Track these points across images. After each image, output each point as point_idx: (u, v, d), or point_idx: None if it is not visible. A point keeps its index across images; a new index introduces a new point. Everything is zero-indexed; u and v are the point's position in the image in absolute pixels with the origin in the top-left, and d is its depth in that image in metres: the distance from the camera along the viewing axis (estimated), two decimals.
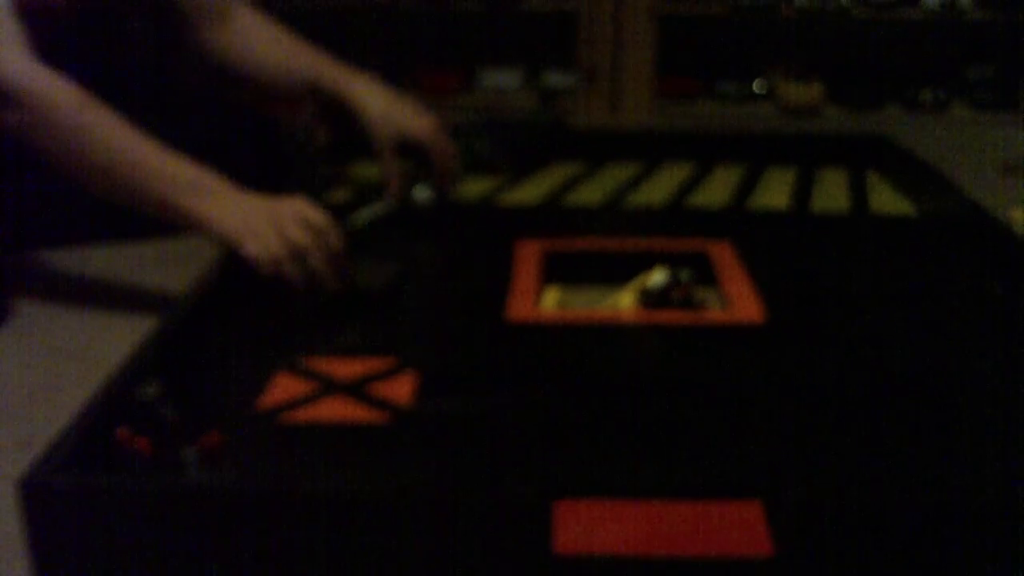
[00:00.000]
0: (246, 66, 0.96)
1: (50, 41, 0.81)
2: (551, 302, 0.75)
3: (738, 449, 0.55)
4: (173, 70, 1.11)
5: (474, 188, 1.04)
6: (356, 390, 0.61)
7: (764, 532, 0.46)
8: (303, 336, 0.69)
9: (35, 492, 0.47)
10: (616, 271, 0.79)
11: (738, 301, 0.73)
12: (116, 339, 0.81)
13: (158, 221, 0.80)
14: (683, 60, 1.78)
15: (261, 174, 0.91)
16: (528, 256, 0.82)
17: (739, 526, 0.46)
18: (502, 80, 1.74)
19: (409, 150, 0.89)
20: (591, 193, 1.03)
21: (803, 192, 1.03)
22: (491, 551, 0.47)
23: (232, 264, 0.75)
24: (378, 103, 0.91)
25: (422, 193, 0.81)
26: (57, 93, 0.77)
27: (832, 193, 1.03)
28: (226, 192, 0.76)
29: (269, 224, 0.73)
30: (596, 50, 1.66)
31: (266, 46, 0.95)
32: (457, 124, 1.12)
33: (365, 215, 0.81)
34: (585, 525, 0.47)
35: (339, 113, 0.92)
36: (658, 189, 1.04)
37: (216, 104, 1.14)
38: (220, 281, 0.74)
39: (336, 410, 0.60)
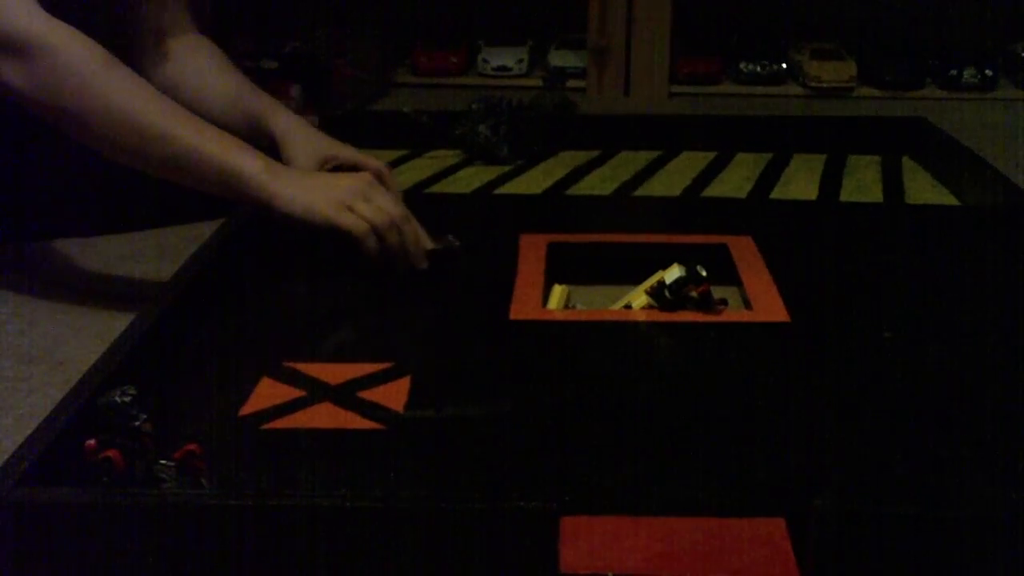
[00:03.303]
0: (192, 104, 0.91)
1: None
2: (557, 301, 0.75)
3: (760, 461, 0.55)
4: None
5: (475, 177, 1.04)
6: (346, 396, 0.62)
7: (789, 552, 0.46)
8: (289, 338, 0.69)
9: None
10: (628, 267, 0.79)
11: (761, 300, 0.73)
12: (86, 341, 0.81)
13: (131, 213, 0.80)
14: (702, 39, 1.77)
15: None
16: (533, 251, 0.82)
17: (761, 545, 0.46)
18: (505, 60, 1.74)
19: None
20: (601, 183, 1.03)
21: (832, 181, 1.03)
22: (492, 569, 0.47)
23: (216, 256, 0.75)
24: (300, 135, 0.89)
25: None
26: (79, 47, 0.75)
27: (864, 182, 1.03)
28: (281, 166, 0.78)
29: (355, 193, 0.75)
30: (608, 28, 1.66)
31: (210, 88, 0.93)
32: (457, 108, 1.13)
33: None
34: (593, 542, 0.47)
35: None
36: (674, 179, 1.04)
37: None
38: (199, 279, 0.74)
39: (324, 418, 0.60)
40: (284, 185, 0.75)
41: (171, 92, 0.90)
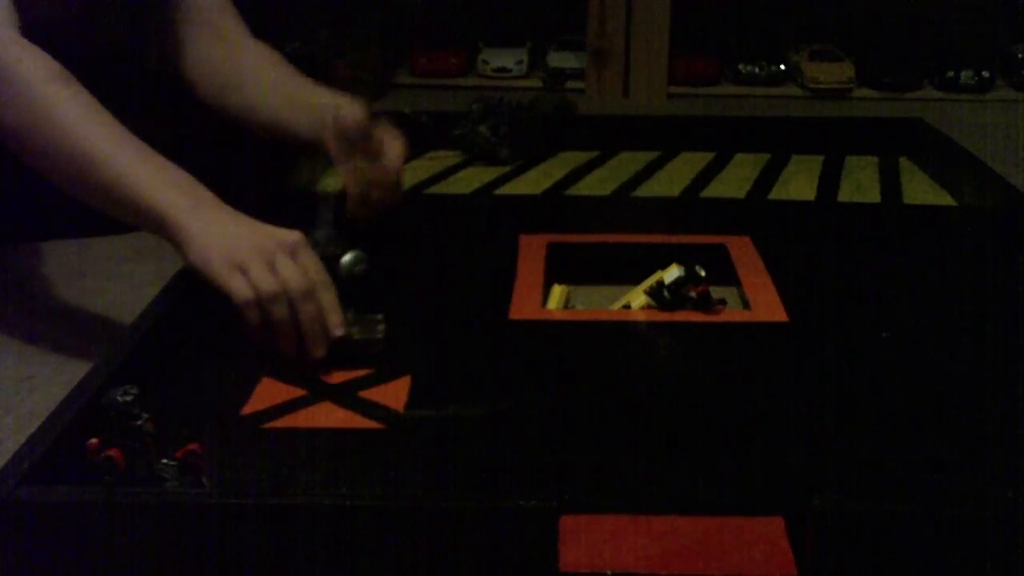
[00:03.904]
0: (235, 91, 0.89)
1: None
2: (557, 301, 0.76)
3: (759, 460, 0.55)
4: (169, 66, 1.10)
5: (475, 178, 1.04)
6: (346, 396, 0.62)
7: (787, 551, 0.46)
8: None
9: None
10: (627, 267, 0.79)
11: (759, 300, 0.73)
12: (87, 341, 0.81)
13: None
14: (700, 40, 1.77)
15: (242, 163, 0.91)
16: (532, 251, 0.82)
17: (760, 544, 0.46)
18: (505, 62, 1.74)
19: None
20: (601, 183, 1.03)
21: (830, 181, 1.03)
22: (492, 568, 0.47)
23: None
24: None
25: (353, 261, 0.71)
26: (28, 62, 0.71)
27: (862, 182, 1.03)
28: (213, 206, 0.69)
29: (258, 255, 0.65)
30: (607, 29, 1.66)
31: (264, 78, 0.89)
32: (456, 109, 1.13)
33: (350, 262, 0.72)
34: (592, 541, 0.47)
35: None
36: (673, 179, 1.04)
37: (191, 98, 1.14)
38: (200, 279, 0.74)
39: (325, 417, 0.60)
40: (199, 230, 0.67)
41: (218, 80, 0.89)
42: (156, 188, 0.68)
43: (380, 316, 0.67)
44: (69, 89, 0.71)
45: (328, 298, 0.66)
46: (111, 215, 0.71)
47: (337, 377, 0.63)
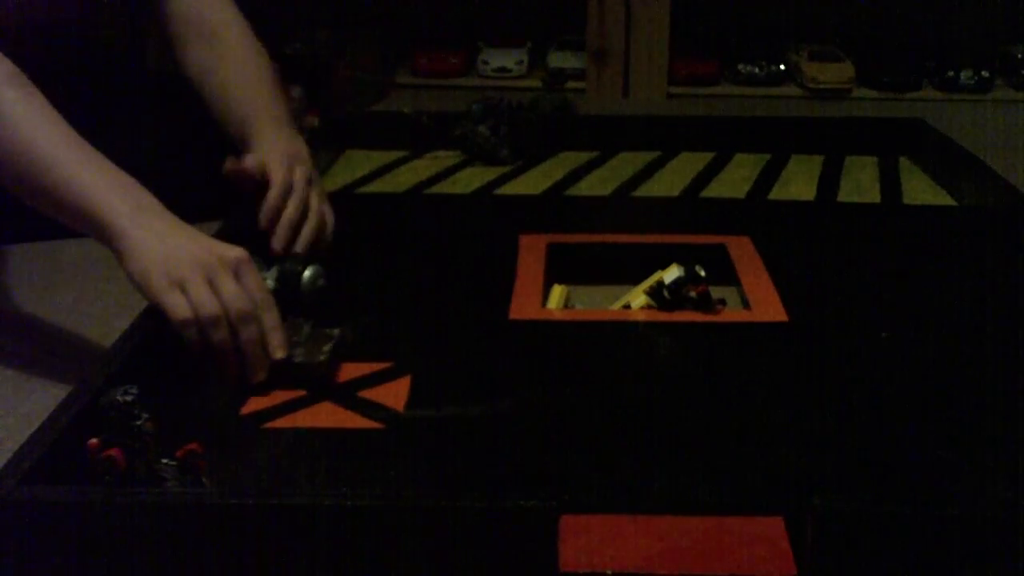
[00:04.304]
0: (208, 96, 0.88)
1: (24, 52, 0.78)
2: (557, 301, 0.75)
3: (759, 460, 0.55)
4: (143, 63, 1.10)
5: (475, 178, 1.04)
6: (346, 395, 0.62)
7: (787, 550, 0.46)
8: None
9: (0, 505, 0.47)
10: (627, 267, 0.79)
11: (759, 300, 0.73)
12: (87, 341, 0.81)
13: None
14: (700, 40, 1.77)
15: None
16: (532, 251, 0.82)
17: (760, 544, 0.46)
18: (505, 62, 1.74)
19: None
20: (600, 183, 1.03)
21: (830, 181, 1.03)
22: (492, 568, 0.47)
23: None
24: (267, 145, 0.81)
25: (314, 276, 0.70)
26: None
27: (862, 182, 1.03)
28: (156, 214, 0.65)
29: (199, 272, 0.62)
30: (607, 29, 1.66)
31: (236, 82, 0.87)
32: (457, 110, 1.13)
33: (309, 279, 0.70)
34: (592, 540, 0.47)
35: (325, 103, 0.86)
36: (673, 179, 1.04)
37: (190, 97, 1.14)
38: None
39: (325, 417, 0.60)
40: (138, 240, 0.63)
41: (200, 77, 0.88)
42: (98, 192, 0.65)
43: (336, 331, 0.66)
44: (19, 91, 0.69)
45: (270, 319, 0.63)
46: (59, 221, 0.68)
47: (337, 377, 0.63)
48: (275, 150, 0.79)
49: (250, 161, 0.77)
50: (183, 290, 0.62)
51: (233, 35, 0.90)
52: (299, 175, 0.78)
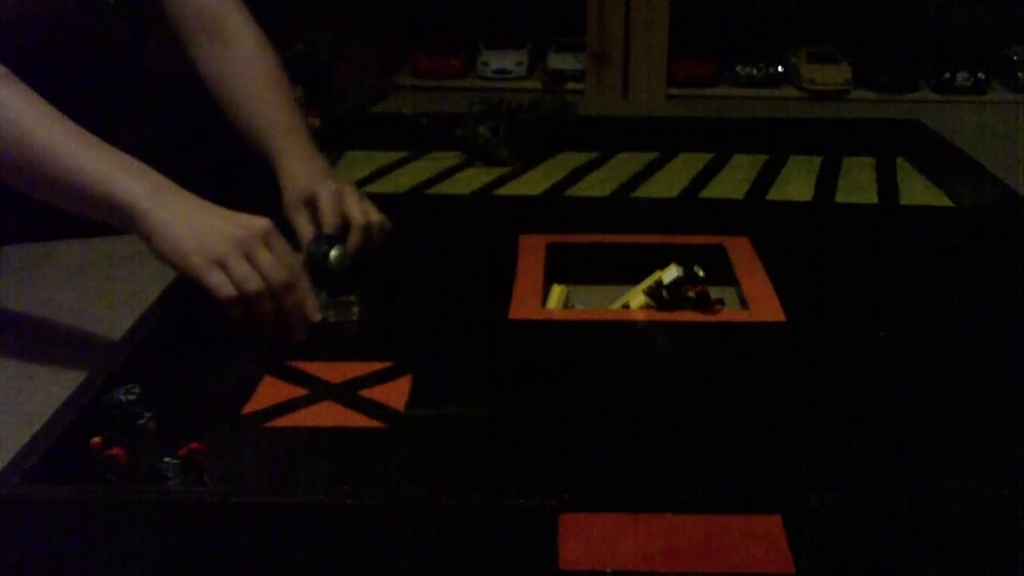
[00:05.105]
0: (222, 96, 0.89)
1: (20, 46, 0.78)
2: (557, 301, 0.76)
3: (758, 459, 0.55)
4: (142, 61, 1.10)
5: (475, 178, 1.04)
6: (347, 394, 0.62)
7: (785, 548, 0.46)
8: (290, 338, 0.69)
9: (2, 503, 0.47)
10: (626, 267, 0.79)
11: (758, 300, 0.73)
12: (89, 340, 0.81)
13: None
14: (699, 42, 1.77)
15: (241, 164, 0.91)
16: (532, 251, 0.82)
17: (758, 542, 0.46)
18: (505, 63, 1.74)
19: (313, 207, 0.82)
20: (600, 184, 1.03)
21: (828, 182, 1.03)
22: (492, 566, 0.47)
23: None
24: (290, 168, 0.84)
25: (339, 256, 0.74)
26: None
27: (859, 183, 1.03)
28: (173, 191, 0.66)
29: (235, 248, 0.64)
30: (606, 31, 1.66)
31: (247, 85, 0.88)
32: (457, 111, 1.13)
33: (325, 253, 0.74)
34: (592, 539, 0.47)
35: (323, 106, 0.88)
36: (672, 180, 1.04)
37: (196, 90, 1.14)
38: None
39: (326, 416, 0.60)
40: (165, 220, 0.65)
41: (211, 82, 0.89)
42: (112, 176, 0.66)
43: (353, 298, 0.70)
44: (12, 88, 0.69)
45: (304, 284, 0.67)
46: (72, 210, 0.69)
47: (337, 377, 0.63)
48: (310, 179, 0.82)
49: (327, 192, 0.80)
50: (223, 268, 0.64)
51: (244, 36, 0.91)
52: (351, 205, 0.81)
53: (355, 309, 0.69)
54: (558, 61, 1.74)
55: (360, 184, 1.04)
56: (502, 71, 1.73)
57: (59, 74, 0.79)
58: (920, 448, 0.56)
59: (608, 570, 0.46)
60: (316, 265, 0.73)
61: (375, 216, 0.82)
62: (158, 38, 0.99)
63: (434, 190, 1.02)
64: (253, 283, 0.64)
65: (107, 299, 0.89)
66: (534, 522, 0.47)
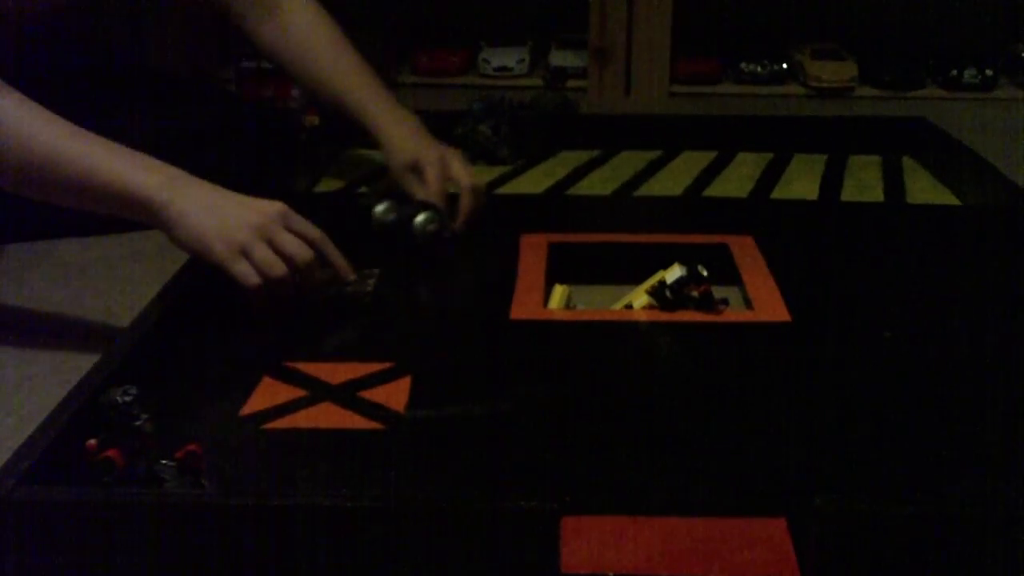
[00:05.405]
0: (291, 67, 0.93)
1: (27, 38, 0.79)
2: (558, 301, 0.75)
3: (762, 461, 0.55)
4: (146, 55, 1.10)
5: (476, 177, 1.04)
6: (347, 396, 0.61)
7: (790, 552, 0.46)
8: (290, 338, 0.69)
9: None
10: (629, 267, 0.78)
11: (762, 300, 0.73)
12: (86, 341, 0.81)
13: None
14: (702, 39, 1.77)
15: (242, 163, 0.91)
16: (534, 250, 0.82)
17: (762, 545, 0.46)
18: (506, 60, 1.73)
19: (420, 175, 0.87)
20: (602, 183, 1.03)
21: (833, 180, 1.03)
22: (493, 570, 0.47)
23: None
24: (390, 135, 0.89)
25: (425, 221, 0.79)
26: None
27: (865, 181, 1.03)
28: (187, 180, 0.69)
29: (256, 234, 0.67)
30: (608, 28, 1.66)
31: (308, 53, 0.92)
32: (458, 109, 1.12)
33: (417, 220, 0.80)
34: (593, 542, 0.46)
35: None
36: (675, 179, 1.04)
37: (197, 89, 1.14)
38: (198, 278, 0.74)
39: (325, 418, 0.60)
40: (185, 211, 0.67)
41: (271, 52, 0.92)
42: (127, 173, 0.68)
43: (377, 271, 0.73)
44: (10, 98, 0.70)
45: (332, 250, 0.69)
46: (86, 209, 0.71)
47: (336, 378, 0.63)
48: (414, 145, 0.86)
49: (433, 156, 0.85)
50: (246, 255, 0.66)
51: (299, 4, 0.93)
52: (456, 170, 0.86)
53: (371, 282, 0.72)
54: (560, 58, 1.73)
55: (360, 183, 1.04)
56: (503, 68, 1.73)
57: (59, 74, 0.79)
58: (925, 449, 0.56)
59: (610, 573, 0.46)
60: (400, 226, 0.78)
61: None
62: (158, 38, 0.99)
63: None
64: (277, 268, 0.67)
65: (105, 299, 0.89)
66: (535, 525, 0.47)
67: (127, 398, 0.51)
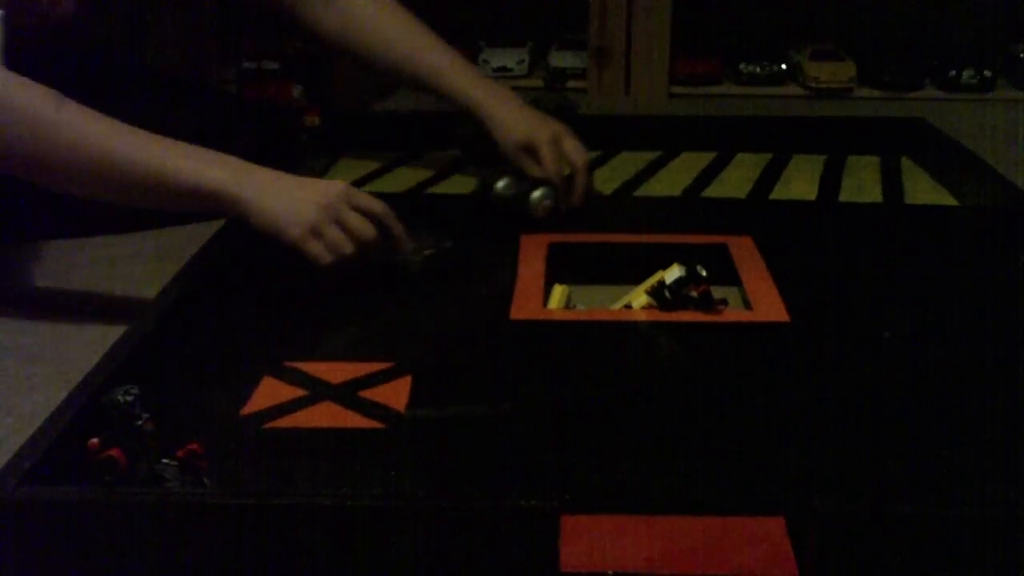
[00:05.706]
0: (360, 55, 0.94)
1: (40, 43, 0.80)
2: (558, 301, 0.76)
3: (761, 461, 0.55)
4: (148, 55, 1.10)
5: (475, 177, 1.04)
6: (347, 395, 0.62)
7: (789, 551, 0.46)
8: (290, 338, 0.69)
9: (0, 505, 0.47)
10: (628, 267, 0.79)
11: (761, 300, 0.73)
12: (87, 341, 0.81)
13: (132, 213, 0.80)
14: (702, 40, 1.77)
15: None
16: (533, 250, 0.82)
17: (761, 544, 0.46)
18: (506, 61, 1.74)
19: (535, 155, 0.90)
20: (602, 183, 1.03)
21: (832, 181, 1.03)
22: (493, 568, 0.47)
23: (218, 255, 0.74)
24: (503, 110, 0.91)
25: (541, 196, 0.85)
26: (25, 95, 0.73)
27: (863, 182, 1.03)
28: (249, 169, 0.74)
29: (326, 216, 0.72)
30: (608, 29, 1.66)
31: (382, 34, 0.93)
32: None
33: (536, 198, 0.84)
34: (593, 541, 0.47)
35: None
36: (674, 179, 1.04)
37: (197, 89, 1.14)
38: (200, 278, 0.74)
39: (326, 417, 0.60)
40: (256, 199, 0.73)
41: (339, 39, 0.93)
42: (197, 169, 0.72)
43: (449, 244, 0.79)
44: (71, 109, 0.74)
45: (395, 223, 0.75)
46: (156, 207, 0.76)
47: (337, 377, 0.64)
48: (525, 125, 0.89)
49: (546, 135, 0.89)
50: (317, 235, 0.72)
51: None
52: (569, 148, 0.89)
53: (426, 252, 0.77)
54: (560, 59, 1.73)
55: (360, 183, 1.04)
56: (503, 69, 1.73)
57: (59, 73, 0.79)
58: (924, 449, 0.56)
59: (609, 572, 0.46)
60: (518, 201, 0.83)
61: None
62: (158, 38, 0.99)
63: (434, 190, 1.02)
64: (346, 247, 0.73)
65: (105, 299, 0.89)
66: (535, 524, 0.47)
67: (129, 398, 0.51)
